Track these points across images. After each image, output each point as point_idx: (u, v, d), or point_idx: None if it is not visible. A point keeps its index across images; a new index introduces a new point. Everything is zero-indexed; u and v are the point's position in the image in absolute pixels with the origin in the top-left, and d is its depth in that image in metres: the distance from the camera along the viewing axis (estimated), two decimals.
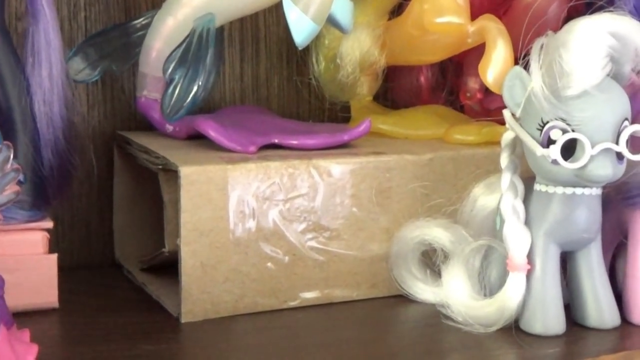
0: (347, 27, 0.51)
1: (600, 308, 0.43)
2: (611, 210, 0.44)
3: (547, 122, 0.40)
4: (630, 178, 0.42)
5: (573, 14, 0.54)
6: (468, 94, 0.59)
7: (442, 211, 0.47)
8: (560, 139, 0.39)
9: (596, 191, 0.41)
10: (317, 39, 0.55)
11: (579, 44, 0.39)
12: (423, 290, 0.47)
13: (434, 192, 0.48)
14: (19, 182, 0.44)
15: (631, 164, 0.42)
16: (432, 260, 0.46)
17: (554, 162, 0.39)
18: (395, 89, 0.60)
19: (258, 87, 0.58)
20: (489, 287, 0.44)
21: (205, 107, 0.56)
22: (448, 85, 0.60)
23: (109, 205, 0.54)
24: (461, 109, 0.60)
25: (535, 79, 0.39)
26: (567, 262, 0.44)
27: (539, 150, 0.40)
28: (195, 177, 0.43)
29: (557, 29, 0.50)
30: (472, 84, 0.59)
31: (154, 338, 0.42)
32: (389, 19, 0.55)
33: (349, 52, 0.53)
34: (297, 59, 0.58)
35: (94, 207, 0.54)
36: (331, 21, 0.50)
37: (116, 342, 0.41)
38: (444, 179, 0.48)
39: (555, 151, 0.39)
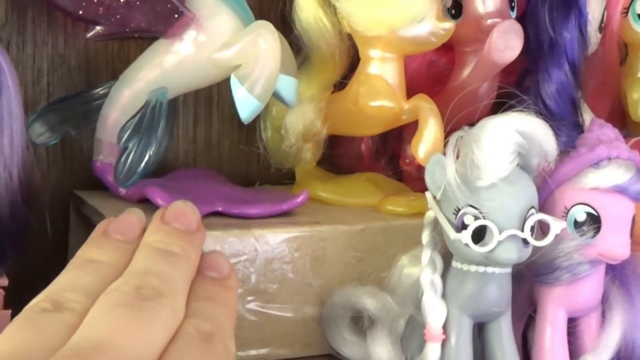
0: (291, 102, 0.55)
1: None
2: (523, 286, 0.48)
3: (461, 208, 0.44)
4: (538, 258, 0.46)
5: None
6: (407, 160, 0.63)
7: (372, 278, 0.51)
8: (472, 225, 0.43)
9: (506, 270, 0.46)
10: (266, 108, 0.59)
11: (489, 140, 0.43)
12: (351, 351, 0.51)
13: (365, 260, 0.52)
14: None
15: (538, 246, 0.46)
16: (360, 323, 0.50)
17: (466, 245, 0.44)
18: (340, 156, 0.64)
19: (210, 149, 0.62)
20: (410, 353, 0.48)
21: (159, 168, 0.59)
22: (389, 152, 0.64)
23: (65, 260, 0.57)
24: (401, 173, 0.64)
25: (449, 171, 0.44)
26: (480, 332, 0.48)
27: (452, 235, 0.44)
28: None
29: (486, 111, 0.55)
30: (411, 151, 0.63)
31: None
32: (333, 92, 0.59)
33: (293, 124, 0.57)
34: (247, 124, 0.62)
35: (50, 262, 0.57)
36: (276, 97, 0.54)
37: None
38: (375, 248, 0.52)
39: (466, 236, 0.43)
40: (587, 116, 0.59)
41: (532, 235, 0.44)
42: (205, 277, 0.39)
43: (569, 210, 0.47)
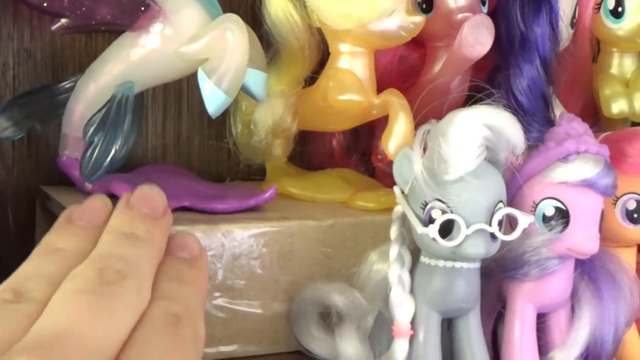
0: (260, 97, 0.54)
1: None
2: (492, 281, 0.48)
3: (428, 203, 0.43)
4: (507, 253, 0.46)
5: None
6: (379, 156, 0.63)
7: (341, 274, 0.51)
8: (439, 219, 0.43)
9: (474, 265, 0.45)
10: (235, 103, 0.58)
11: (457, 134, 0.42)
12: (319, 347, 0.50)
13: (334, 257, 0.52)
14: None
15: (507, 241, 0.45)
16: (329, 320, 0.50)
17: (433, 239, 0.43)
18: (310, 151, 0.63)
19: (179, 145, 0.62)
20: (379, 349, 0.48)
21: (128, 163, 0.58)
22: (360, 148, 0.64)
23: None
24: (373, 169, 0.64)
25: (416, 164, 0.43)
26: (449, 328, 0.47)
27: (420, 229, 0.43)
28: None
29: (458, 105, 0.55)
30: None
31: None
32: (303, 87, 0.59)
33: (262, 119, 0.56)
34: (217, 119, 0.61)
35: (14, 257, 0.56)
36: (245, 91, 0.53)
37: None
38: (343, 244, 0.52)
39: (433, 230, 0.43)
40: (559, 111, 0.59)
41: (500, 229, 0.44)
42: (174, 257, 0.38)
43: (537, 205, 0.46)
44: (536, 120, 0.57)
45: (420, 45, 0.61)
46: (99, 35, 0.57)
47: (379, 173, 0.63)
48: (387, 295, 0.47)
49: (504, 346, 0.48)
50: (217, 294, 0.49)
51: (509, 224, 0.45)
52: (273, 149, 0.59)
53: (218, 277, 0.49)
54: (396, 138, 0.53)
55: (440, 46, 0.59)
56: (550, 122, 0.58)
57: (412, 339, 0.46)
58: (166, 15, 0.51)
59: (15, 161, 0.57)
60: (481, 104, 0.44)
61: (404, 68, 0.61)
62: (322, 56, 0.58)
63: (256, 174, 0.61)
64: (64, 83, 0.54)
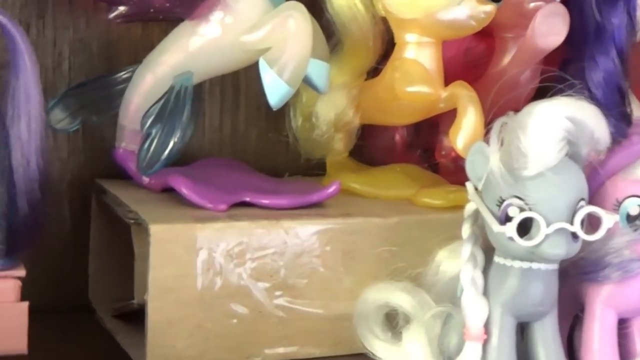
0: (322, 88, 0.52)
1: None
2: (569, 284, 0.45)
3: (505, 199, 0.41)
4: (586, 254, 0.43)
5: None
6: (443, 152, 0.60)
7: (407, 274, 0.48)
8: (517, 217, 0.40)
9: (552, 266, 0.43)
10: (295, 95, 0.56)
11: (537, 127, 0.40)
12: (385, 350, 0.48)
13: (399, 255, 0.49)
14: None
15: (587, 241, 0.43)
16: (395, 322, 0.48)
17: (510, 238, 0.41)
18: (371, 146, 0.61)
19: (236, 139, 0.60)
20: (447, 353, 0.45)
21: (183, 157, 0.56)
22: (423, 144, 0.61)
23: (85, 251, 0.55)
24: (436, 166, 0.61)
25: (493, 159, 0.41)
26: (523, 332, 0.45)
27: (496, 227, 0.41)
28: (164, 235, 0.44)
29: (528, 98, 0.52)
30: (448, 142, 0.60)
31: None
32: (367, 78, 0.57)
33: (324, 112, 0.54)
34: (275, 112, 0.59)
35: (69, 251, 0.55)
36: (307, 82, 0.51)
37: None
38: (409, 243, 0.50)
39: (511, 229, 0.40)
40: (635, 106, 0.56)
41: (581, 228, 0.41)
42: None
43: (621, 203, 0.44)
44: (612, 115, 0.54)
45: (487, 36, 0.58)
46: (156, 25, 0.56)
47: (443, 170, 0.61)
48: (457, 296, 0.45)
49: (582, 353, 0.45)
50: (277, 293, 0.47)
51: (589, 223, 0.42)
52: (334, 143, 0.57)
53: (280, 276, 0.47)
54: (465, 132, 0.50)
55: (510, 37, 0.57)
56: (626, 117, 0.55)
57: (485, 344, 0.43)
58: (226, 3, 0.49)
59: (70, 154, 0.55)
60: (562, 96, 0.41)
61: (470, 60, 0.59)
62: (387, 46, 0.55)
63: (314, 168, 0.59)
64: (120, 74, 0.53)
